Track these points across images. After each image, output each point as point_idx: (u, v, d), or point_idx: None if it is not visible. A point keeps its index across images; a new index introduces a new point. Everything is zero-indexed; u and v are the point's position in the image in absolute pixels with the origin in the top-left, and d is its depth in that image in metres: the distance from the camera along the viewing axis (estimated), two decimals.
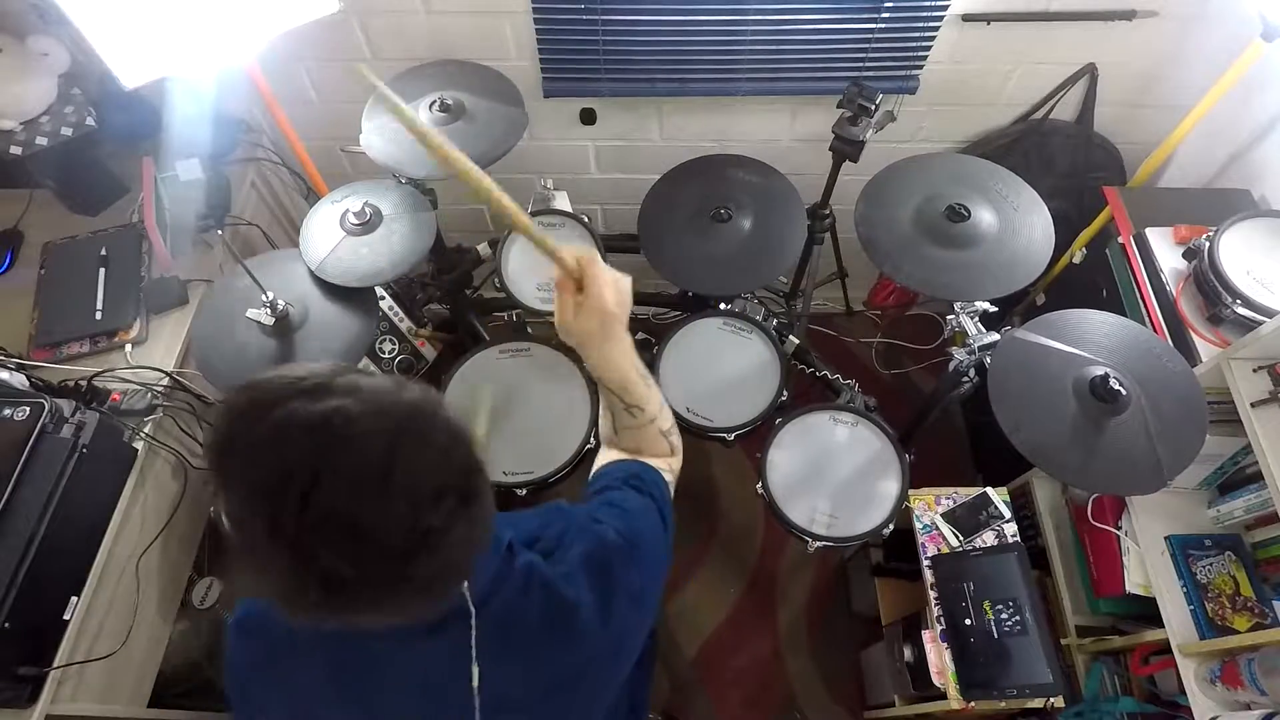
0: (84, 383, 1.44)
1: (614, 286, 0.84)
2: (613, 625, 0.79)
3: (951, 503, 1.75)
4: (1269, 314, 1.45)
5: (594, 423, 1.54)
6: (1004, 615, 1.58)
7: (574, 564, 0.80)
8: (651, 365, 1.62)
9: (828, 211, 1.78)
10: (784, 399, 1.56)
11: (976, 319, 1.51)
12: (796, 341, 1.75)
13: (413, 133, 0.75)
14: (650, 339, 1.69)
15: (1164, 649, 1.55)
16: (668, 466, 1.00)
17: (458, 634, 0.73)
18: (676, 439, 1.03)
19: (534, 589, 0.76)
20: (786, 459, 1.53)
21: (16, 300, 1.63)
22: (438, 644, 0.74)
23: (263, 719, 0.83)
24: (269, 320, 1.45)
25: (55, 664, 1.25)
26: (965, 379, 1.57)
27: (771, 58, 1.81)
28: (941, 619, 1.62)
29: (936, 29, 1.75)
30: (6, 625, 1.16)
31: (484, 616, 0.73)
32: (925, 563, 1.68)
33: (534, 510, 0.91)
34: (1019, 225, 1.50)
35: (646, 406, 0.95)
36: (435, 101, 1.62)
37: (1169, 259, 1.66)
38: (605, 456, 1.00)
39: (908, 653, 1.73)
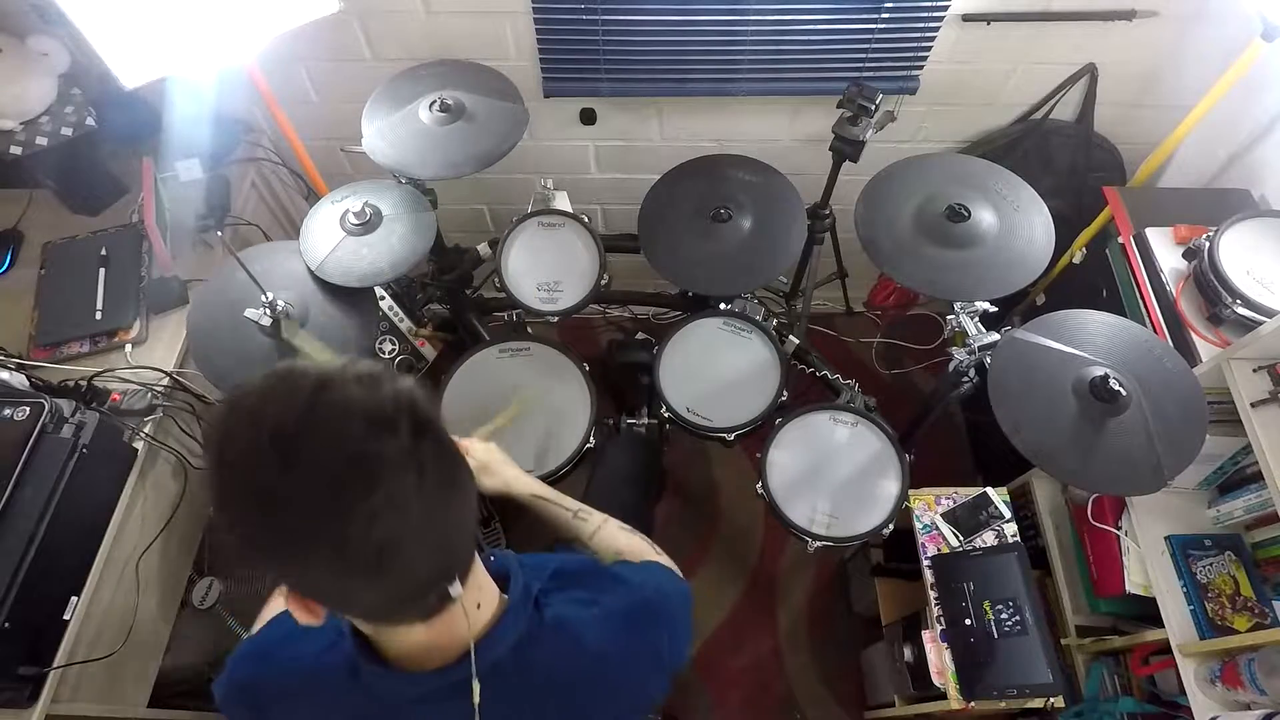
0: (84, 383, 1.44)
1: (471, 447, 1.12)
2: (656, 680, 0.86)
3: (951, 503, 1.75)
4: (1269, 314, 1.45)
5: (594, 422, 1.54)
6: (1004, 615, 1.58)
7: (602, 614, 0.81)
8: (652, 365, 1.62)
9: (828, 211, 1.78)
10: (784, 399, 1.56)
11: (976, 319, 1.51)
12: (796, 341, 1.75)
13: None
14: (650, 339, 1.69)
15: (1164, 649, 1.55)
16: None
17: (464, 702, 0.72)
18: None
19: (564, 644, 0.77)
20: (786, 459, 1.53)
21: (16, 300, 1.63)
22: (450, 710, 0.72)
23: None
24: (266, 320, 1.44)
25: (55, 664, 1.24)
26: (965, 379, 1.57)
27: (771, 58, 1.81)
28: (941, 619, 1.62)
29: (936, 29, 1.75)
30: (6, 625, 1.16)
31: (515, 674, 0.74)
32: (925, 563, 1.68)
33: (546, 555, 0.92)
34: (1019, 225, 1.50)
35: (584, 521, 1.08)
36: (435, 101, 1.61)
37: (1169, 259, 1.66)
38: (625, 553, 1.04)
39: (908, 653, 1.73)
